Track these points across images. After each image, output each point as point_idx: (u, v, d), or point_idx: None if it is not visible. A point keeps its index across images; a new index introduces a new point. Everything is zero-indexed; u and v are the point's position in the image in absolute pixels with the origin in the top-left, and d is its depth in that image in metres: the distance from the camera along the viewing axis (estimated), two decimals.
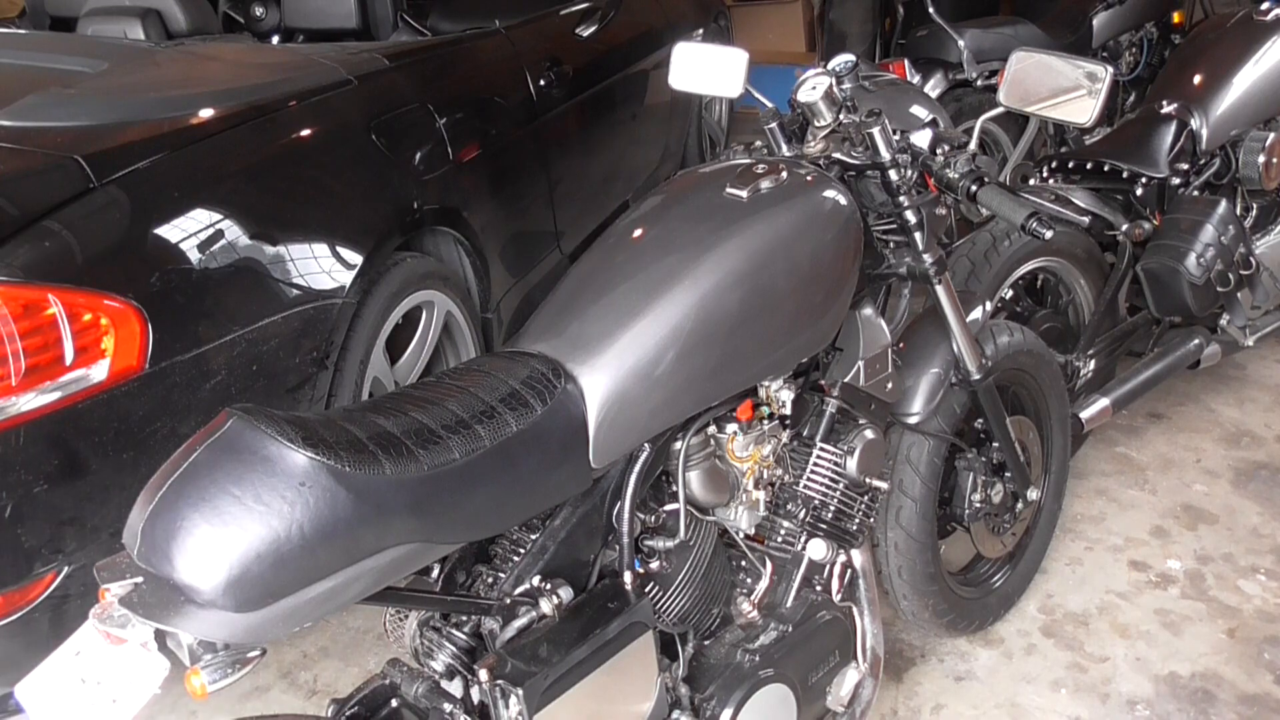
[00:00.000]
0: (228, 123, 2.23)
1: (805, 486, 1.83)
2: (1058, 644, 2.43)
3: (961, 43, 4.01)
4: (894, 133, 1.85)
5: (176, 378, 1.95)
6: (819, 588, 1.88)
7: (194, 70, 2.61)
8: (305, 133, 2.38)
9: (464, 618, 1.48)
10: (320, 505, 1.16)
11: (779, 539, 1.83)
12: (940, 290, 1.98)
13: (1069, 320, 2.98)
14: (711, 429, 1.68)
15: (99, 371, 1.84)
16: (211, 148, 2.17)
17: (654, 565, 1.60)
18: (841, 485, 1.84)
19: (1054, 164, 3.02)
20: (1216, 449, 3.09)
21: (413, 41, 3.11)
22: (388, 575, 1.27)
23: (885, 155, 1.81)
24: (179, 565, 1.12)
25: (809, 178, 1.74)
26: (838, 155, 1.85)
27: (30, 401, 1.77)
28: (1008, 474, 2.30)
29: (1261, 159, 2.98)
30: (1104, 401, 2.81)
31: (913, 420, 2.04)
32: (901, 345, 2.05)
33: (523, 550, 1.51)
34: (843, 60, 1.96)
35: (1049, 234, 1.74)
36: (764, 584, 1.81)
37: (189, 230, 2.03)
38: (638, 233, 1.68)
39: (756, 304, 1.60)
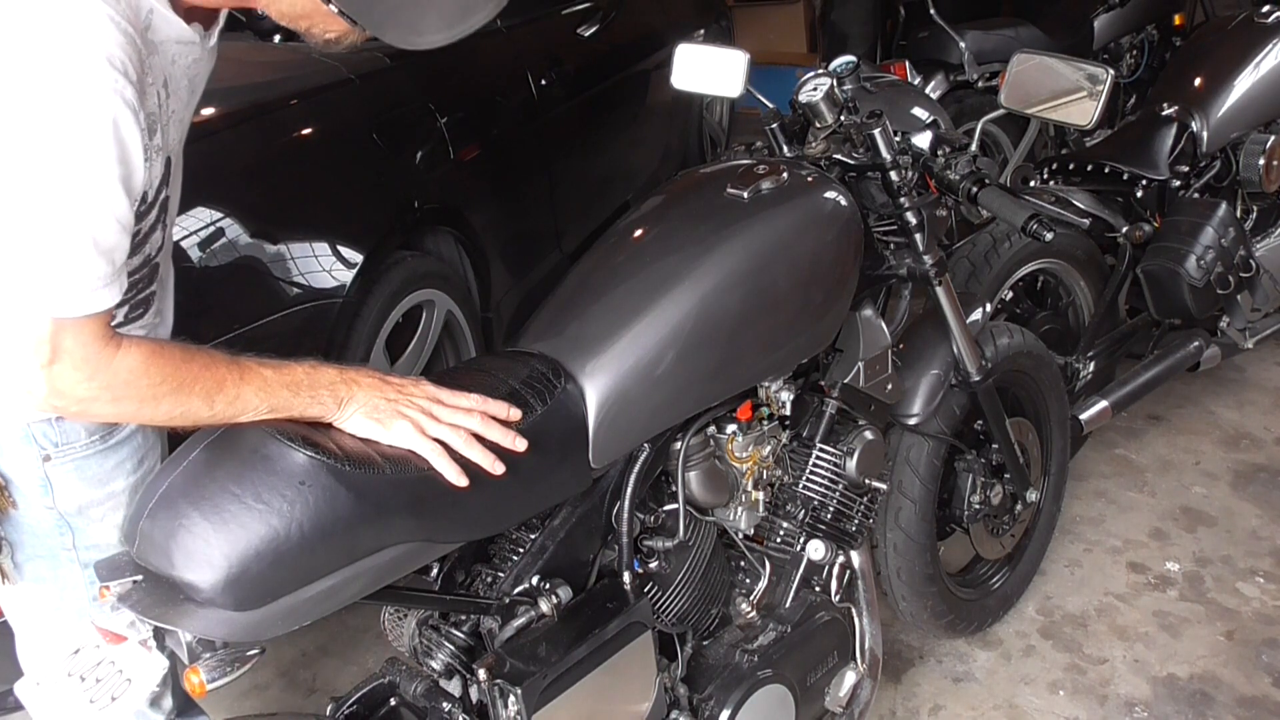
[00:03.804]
0: (229, 121, 2.22)
1: (804, 487, 1.82)
2: (1056, 645, 2.43)
3: (963, 44, 4.01)
4: (895, 134, 1.85)
5: None
6: (818, 588, 1.88)
7: None
8: (306, 131, 2.38)
9: (463, 617, 1.48)
10: (320, 504, 1.16)
11: (778, 539, 1.83)
12: (940, 291, 1.98)
13: (1069, 322, 2.98)
14: (711, 429, 1.68)
15: None
16: (212, 146, 2.16)
17: (653, 565, 1.60)
18: (841, 486, 1.84)
19: (1054, 166, 3.02)
20: (1216, 451, 3.09)
21: None
22: (387, 574, 1.27)
23: (886, 156, 1.81)
24: (178, 563, 1.12)
25: (810, 178, 1.74)
26: (838, 156, 1.85)
27: None
28: (1007, 475, 2.29)
29: (1262, 161, 2.98)
30: (1103, 403, 2.81)
31: (912, 421, 2.04)
32: (901, 346, 2.05)
33: (522, 550, 1.51)
34: (844, 61, 1.96)
35: (1049, 236, 1.74)
36: (763, 584, 1.81)
37: (189, 228, 2.02)
38: (638, 233, 1.68)
39: (756, 305, 1.60)
